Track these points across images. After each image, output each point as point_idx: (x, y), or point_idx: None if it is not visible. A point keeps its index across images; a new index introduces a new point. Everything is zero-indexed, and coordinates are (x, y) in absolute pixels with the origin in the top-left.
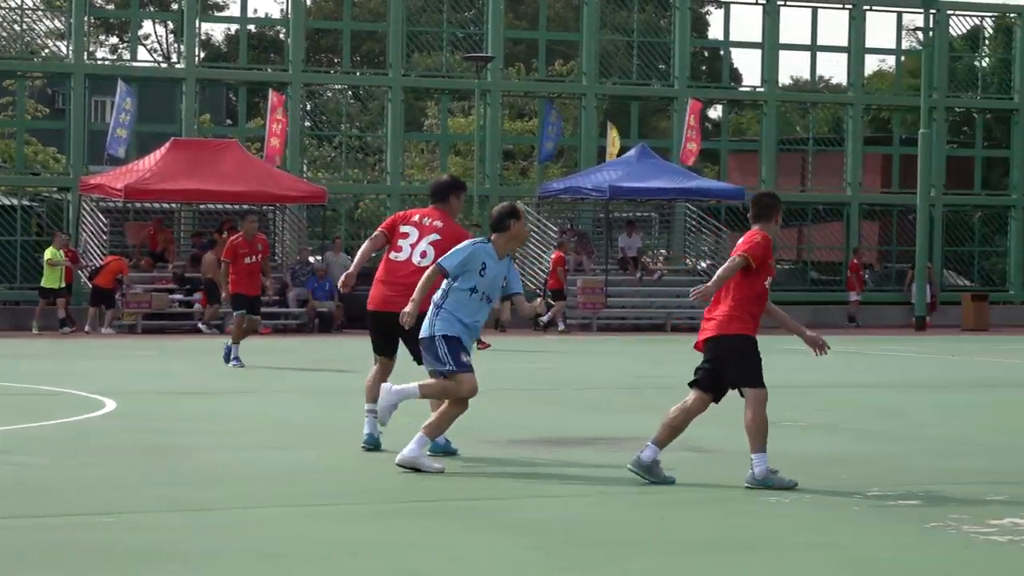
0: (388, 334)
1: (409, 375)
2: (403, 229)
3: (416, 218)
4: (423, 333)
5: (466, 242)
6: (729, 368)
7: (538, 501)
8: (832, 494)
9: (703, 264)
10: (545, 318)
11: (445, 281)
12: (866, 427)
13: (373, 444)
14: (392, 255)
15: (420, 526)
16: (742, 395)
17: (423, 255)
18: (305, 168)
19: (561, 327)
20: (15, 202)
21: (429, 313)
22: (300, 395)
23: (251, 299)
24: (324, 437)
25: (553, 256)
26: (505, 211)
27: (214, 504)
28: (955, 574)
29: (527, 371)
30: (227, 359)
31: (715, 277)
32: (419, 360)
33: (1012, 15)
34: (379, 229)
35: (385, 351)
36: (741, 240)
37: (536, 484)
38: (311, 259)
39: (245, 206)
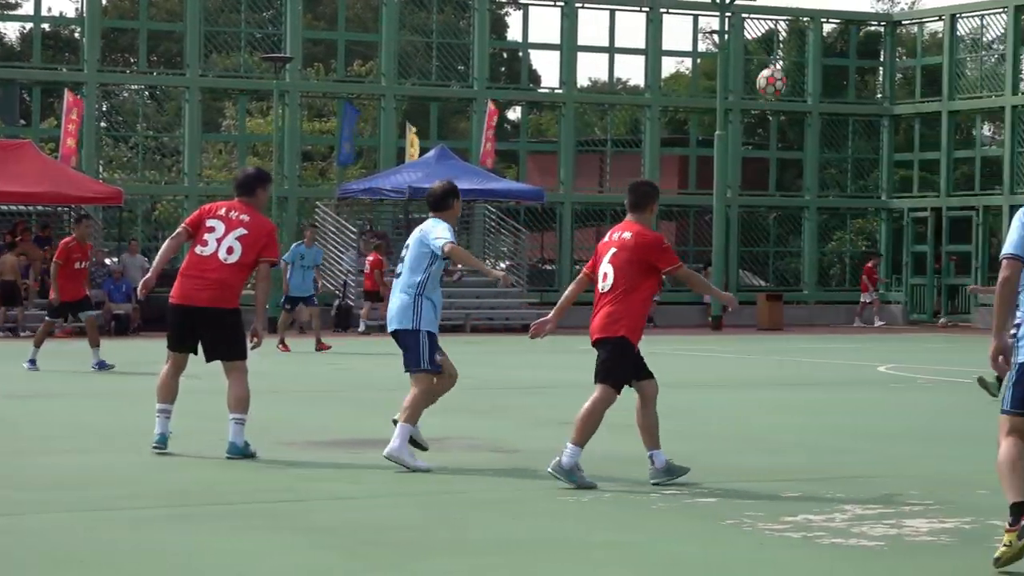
0: (187, 329)
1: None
2: (209, 223)
3: (222, 212)
4: (401, 324)
5: (440, 221)
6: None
7: (336, 503)
8: (631, 493)
9: (502, 265)
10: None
11: (425, 266)
12: (661, 426)
13: (163, 444)
14: (197, 249)
15: (218, 528)
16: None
17: (229, 251)
18: (101, 169)
19: (362, 328)
20: None
21: (405, 302)
22: (96, 398)
23: (77, 303)
24: (121, 440)
25: (370, 258)
26: (447, 190)
27: (12, 510)
28: (751, 571)
29: (326, 373)
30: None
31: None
32: (213, 358)
33: (805, 19)
34: (182, 225)
35: (180, 347)
36: (629, 236)
37: (334, 485)
38: (107, 261)
39: (40, 207)
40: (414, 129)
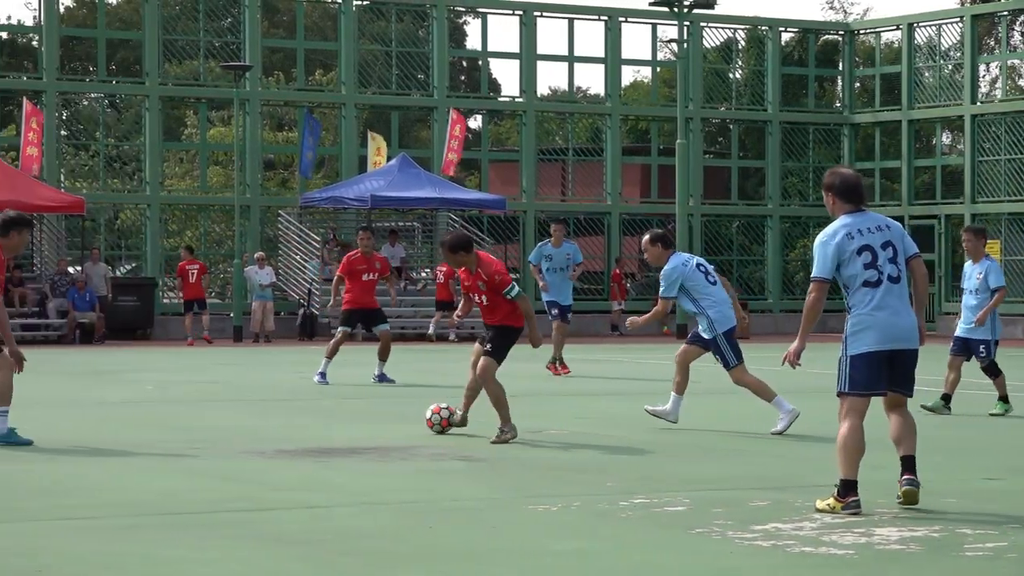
0: None
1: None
2: None
3: None
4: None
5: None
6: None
7: (303, 512)
8: (599, 501)
9: None
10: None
11: None
12: (628, 434)
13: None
14: None
15: (183, 538)
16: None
17: None
18: (63, 178)
19: (431, 331)
20: None
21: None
22: (60, 408)
23: (370, 311)
24: (82, 447)
25: (443, 268)
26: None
27: None
28: None
29: (290, 381)
30: (381, 380)
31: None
32: None
33: (764, 28)
34: None
35: None
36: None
37: (302, 494)
38: (70, 269)
39: None
40: (380, 138)
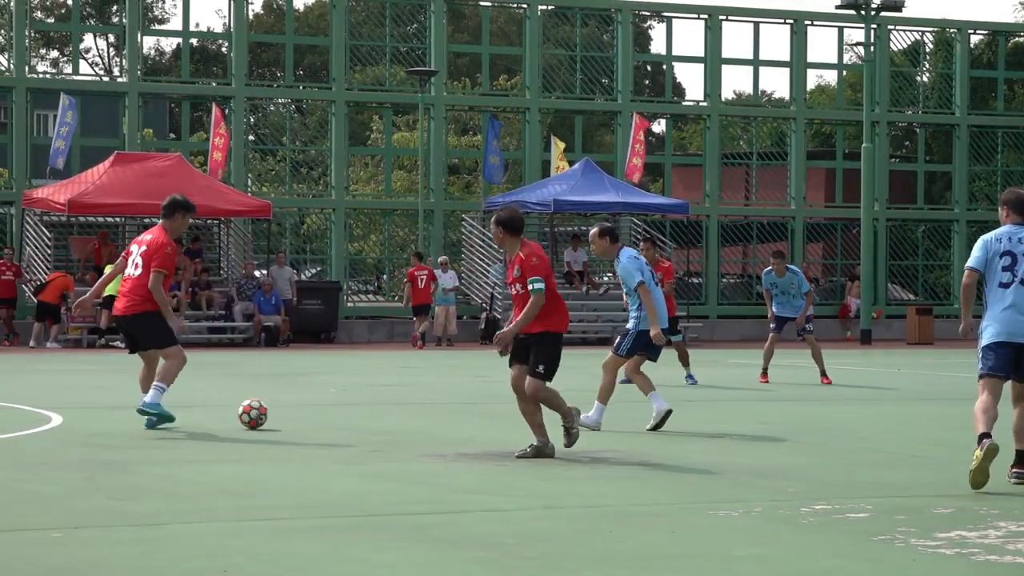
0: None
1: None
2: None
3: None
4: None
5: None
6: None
7: (484, 515)
8: (780, 506)
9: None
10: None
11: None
12: (812, 439)
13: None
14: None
15: (367, 541)
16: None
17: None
18: (250, 182)
19: None
20: None
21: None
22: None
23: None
24: (265, 451)
25: None
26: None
27: (159, 519)
28: None
29: (472, 384)
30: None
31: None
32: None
33: (952, 30)
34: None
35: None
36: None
37: (482, 497)
38: (256, 273)
39: (190, 220)
40: (562, 145)
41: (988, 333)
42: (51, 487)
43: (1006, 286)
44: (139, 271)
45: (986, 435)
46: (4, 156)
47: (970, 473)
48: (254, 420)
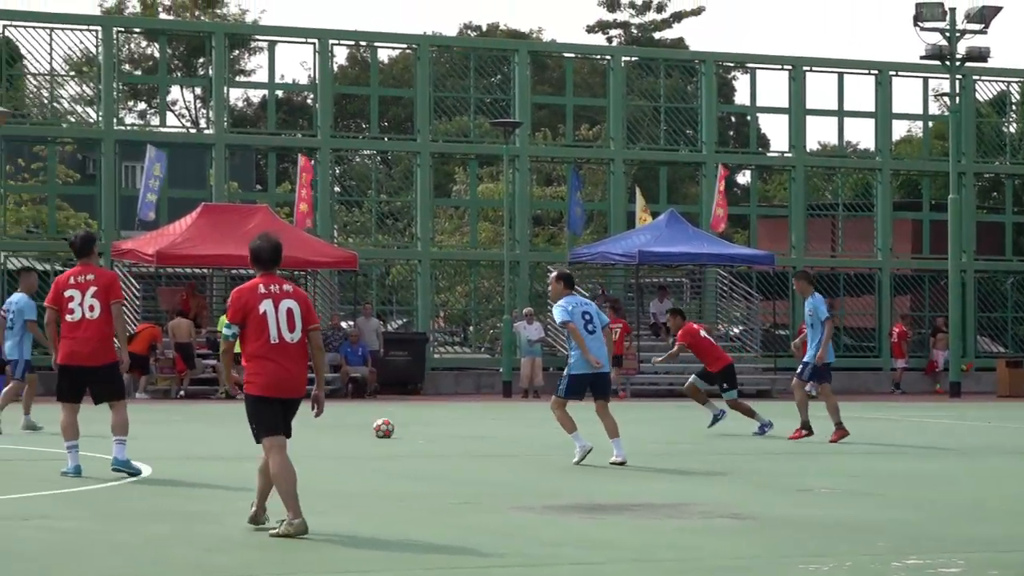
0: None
1: None
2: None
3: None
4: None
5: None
6: None
7: (575, 568)
8: (871, 561)
9: (736, 329)
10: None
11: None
12: (902, 493)
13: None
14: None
15: None
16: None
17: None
18: (336, 233)
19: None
20: (48, 267)
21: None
22: (334, 460)
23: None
24: (355, 501)
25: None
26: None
27: (249, 570)
28: None
29: (558, 436)
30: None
31: None
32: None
33: None
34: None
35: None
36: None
37: (572, 551)
38: (343, 324)
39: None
40: (646, 206)
41: None
42: (140, 538)
43: None
44: (96, 313)
45: None
46: (93, 207)
47: None
48: (388, 431)
